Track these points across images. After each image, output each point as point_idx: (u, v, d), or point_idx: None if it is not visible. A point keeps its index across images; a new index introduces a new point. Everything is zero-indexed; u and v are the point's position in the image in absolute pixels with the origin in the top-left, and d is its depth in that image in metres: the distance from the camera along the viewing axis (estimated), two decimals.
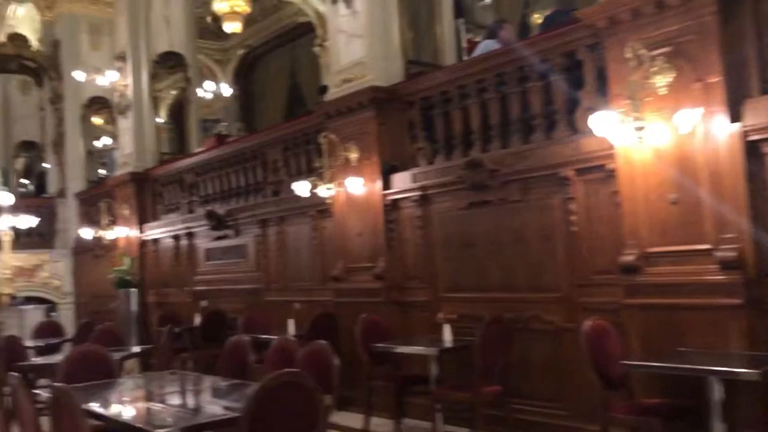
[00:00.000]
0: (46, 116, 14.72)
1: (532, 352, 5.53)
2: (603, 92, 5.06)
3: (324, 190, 6.88)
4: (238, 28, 13.06)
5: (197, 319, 8.73)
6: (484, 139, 6.00)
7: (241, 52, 17.74)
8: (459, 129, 6.22)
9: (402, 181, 6.53)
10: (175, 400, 4.10)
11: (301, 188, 6.94)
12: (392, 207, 6.62)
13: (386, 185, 6.61)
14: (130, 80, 10.94)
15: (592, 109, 4.96)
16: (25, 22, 14.61)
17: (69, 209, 13.06)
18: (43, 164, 16.00)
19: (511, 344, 5.42)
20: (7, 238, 10.57)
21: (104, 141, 14.17)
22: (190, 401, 4.04)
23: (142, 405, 3.95)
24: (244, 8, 10.90)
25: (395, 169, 6.63)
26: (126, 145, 11.12)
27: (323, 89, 8.92)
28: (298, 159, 8.10)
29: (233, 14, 10.87)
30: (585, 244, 5.19)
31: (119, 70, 10.97)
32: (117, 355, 5.59)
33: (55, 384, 3.55)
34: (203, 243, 9.62)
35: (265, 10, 15.72)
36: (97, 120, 13.85)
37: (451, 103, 6.29)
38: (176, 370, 5.45)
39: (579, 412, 5.16)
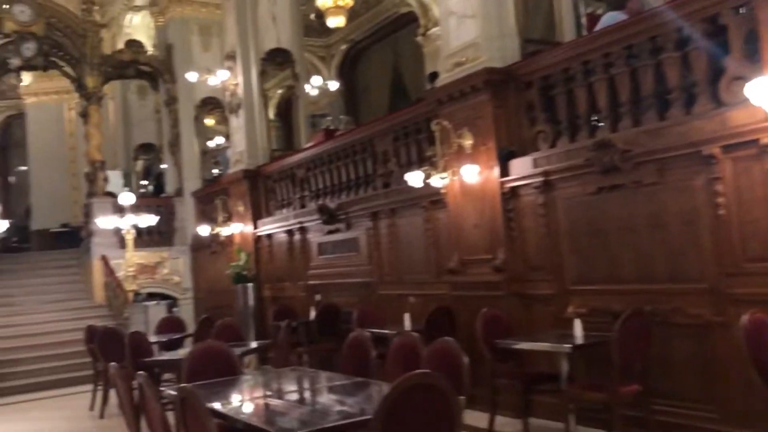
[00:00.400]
0: (162, 118, 15.34)
1: (674, 348, 5.04)
2: (753, 58, 4.52)
3: (437, 180, 6.62)
4: (341, 23, 13.04)
5: (312, 313, 8.71)
6: (613, 117, 5.53)
7: (343, 47, 17.81)
8: (584, 108, 5.78)
9: (521, 166, 6.16)
10: (299, 400, 3.96)
11: (414, 179, 6.70)
12: (511, 195, 6.27)
13: (504, 172, 6.25)
14: (240, 79, 11.10)
15: (741, 78, 4.43)
16: (140, 28, 15.24)
17: (186, 207, 13.49)
18: (161, 165, 16.70)
19: (651, 340, 4.96)
20: (130, 236, 10.99)
21: (217, 141, 14.58)
22: (315, 400, 3.89)
23: (266, 404, 3.84)
24: (347, 2, 10.84)
25: (513, 155, 6.26)
26: (238, 143, 11.30)
27: (433, 76, 8.66)
28: (408, 149, 7.88)
29: (336, 9, 10.85)
30: (735, 228, 4.66)
31: (229, 69, 11.15)
32: (237, 351, 5.57)
33: (182, 385, 3.48)
34: (315, 237, 9.60)
35: (367, 3, 15.67)
36: (209, 121, 14.25)
37: (574, 81, 5.85)
38: (297, 367, 5.35)
39: (732, 415, 4.66)
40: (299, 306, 9.46)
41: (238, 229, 11.09)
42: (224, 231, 11.23)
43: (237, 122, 11.32)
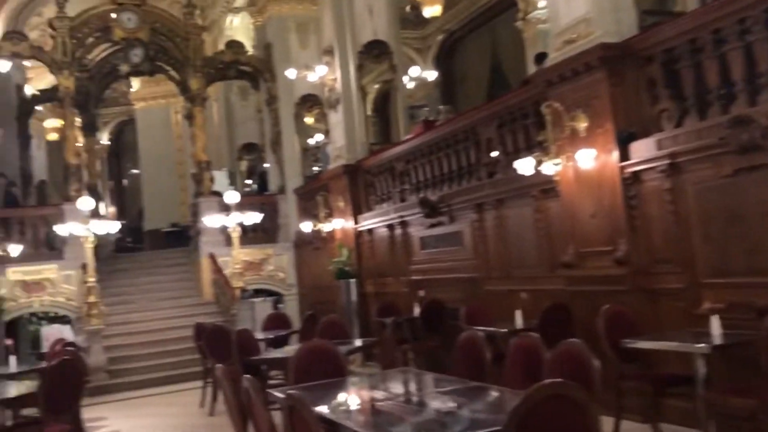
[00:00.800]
0: (263, 118, 15.60)
1: None
2: None
3: (549, 167, 6.19)
4: (437, 12, 12.74)
5: (416, 310, 8.47)
6: (751, 91, 4.94)
7: (440, 37, 17.45)
8: (715, 82, 5.20)
9: (643, 149, 5.64)
10: (414, 404, 3.70)
11: (525, 166, 6.29)
12: (632, 180, 5.76)
13: (624, 156, 5.75)
14: (338, 73, 10.99)
15: None
16: (240, 30, 15.49)
17: (289, 205, 13.57)
18: (264, 164, 16.99)
19: None
20: (236, 234, 11.12)
21: (316, 138, 14.61)
22: (430, 406, 3.61)
23: (378, 409, 3.60)
24: None
25: (633, 137, 5.74)
26: (337, 138, 11.21)
27: (541, 57, 8.19)
28: (515, 135, 7.47)
29: None
30: None
31: (327, 64, 11.08)
32: (343, 349, 5.39)
33: (290, 391, 3.29)
34: (417, 231, 9.35)
35: None
36: (308, 119, 14.26)
37: (704, 52, 5.28)
38: (405, 368, 5.10)
39: None
40: (402, 302, 9.24)
41: (339, 224, 11.01)
42: (326, 227, 11.18)
43: (336, 118, 11.23)
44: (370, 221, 10.46)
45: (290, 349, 6.29)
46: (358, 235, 10.76)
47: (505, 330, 6.26)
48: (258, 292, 12.79)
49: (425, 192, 9.09)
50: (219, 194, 13.49)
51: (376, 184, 10.50)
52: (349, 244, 10.71)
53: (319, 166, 14.27)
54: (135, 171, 23.62)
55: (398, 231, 9.73)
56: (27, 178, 14.64)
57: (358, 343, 7.45)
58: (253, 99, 18.19)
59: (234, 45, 13.70)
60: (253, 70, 14.47)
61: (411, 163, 9.58)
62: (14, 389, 5.74)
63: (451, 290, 8.52)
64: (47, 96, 14.66)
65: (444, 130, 8.92)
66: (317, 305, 11.18)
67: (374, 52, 10.95)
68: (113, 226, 9.96)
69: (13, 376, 6.83)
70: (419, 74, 13.05)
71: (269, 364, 6.75)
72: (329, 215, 11.25)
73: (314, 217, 11.73)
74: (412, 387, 4.13)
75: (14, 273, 11.31)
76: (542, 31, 11.10)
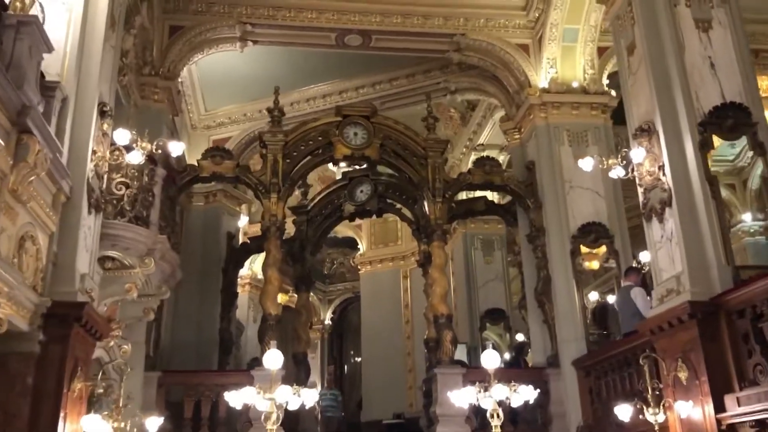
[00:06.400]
0: (507, 279, 11.81)
1: None
2: None
3: None
4: None
5: None
6: None
7: None
8: None
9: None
10: None
11: None
12: None
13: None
14: (664, 158, 6.84)
15: None
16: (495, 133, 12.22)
17: (567, 384, 8.99)
18: (517, 335, 12.87)
19: None
20: (496, 422, 6.73)
21: (594, 295, 10.24)
22: None
23: None
24: None
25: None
26: (667, 263, 6.77)
27: None
28: None
29: None
30: None
31: (646, 149, 7.00)
32: None
33: None
34: None
35: None
36: (591, 264, 9.99)
37: None
38: None
39: None
40: None
41: (683, 410, 6.16)
42: (657, 416, 6.36)
43: (662, 230, 6.88)
44: (754, 406, 5.53)
45: None
46: (729, 430, 5.80)
47: None
48: None
49: None
50: (464, 364, 9.44)
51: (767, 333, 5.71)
52: None
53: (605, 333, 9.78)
54: (357, 359, 20.50)
55: None
56: (226, 342, 11.67)
57: None
58: (498, 256, 14.65)
59: (486, 162, 10.25)
60: (506, 204, 10.91)
61: None
62: None
63: None
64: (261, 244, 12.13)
65: None
66: None
67: (727, 121, 6.72)
68: (310, 395, 6.17)
69: None
70: None
71: None
72: (659, 396, 6.47)
73: (628, 397, 6.99)
74: None
75: None
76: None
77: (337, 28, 10.53)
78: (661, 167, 6.85)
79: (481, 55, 11.01)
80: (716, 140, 6.77)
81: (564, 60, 10.56)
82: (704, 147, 6.67)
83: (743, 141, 6.94)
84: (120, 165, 6.65)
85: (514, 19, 10.90)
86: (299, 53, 11.35)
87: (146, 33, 9.42)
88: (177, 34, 10.10)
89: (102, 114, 6.31)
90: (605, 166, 7.32)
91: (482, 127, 13.51)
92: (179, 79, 11.21)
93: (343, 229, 17.31)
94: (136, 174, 6.92)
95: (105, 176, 6.47)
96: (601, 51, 10.77)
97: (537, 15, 10.68)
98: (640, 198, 7.26)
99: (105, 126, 6.37)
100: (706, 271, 6.32)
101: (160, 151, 6.61)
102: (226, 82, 12.15)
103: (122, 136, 6.23)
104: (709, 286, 6.23)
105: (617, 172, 7.27)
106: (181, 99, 10.57)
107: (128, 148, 6.54)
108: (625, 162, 7.15)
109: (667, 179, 6.77)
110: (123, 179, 6.78)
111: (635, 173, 7.21)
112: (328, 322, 22.72)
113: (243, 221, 14.23)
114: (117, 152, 6.42)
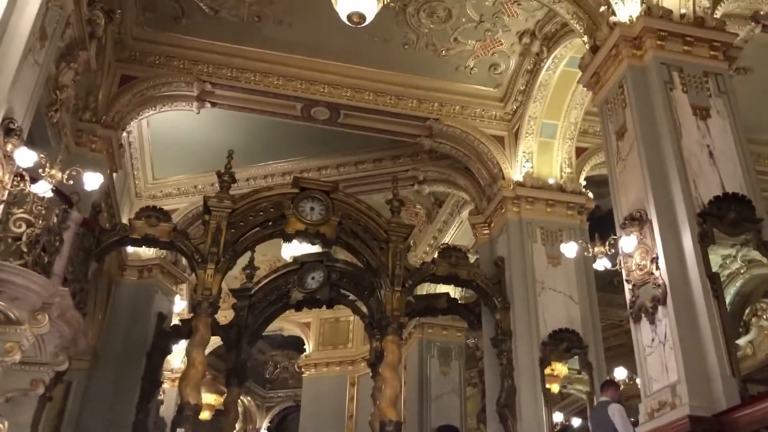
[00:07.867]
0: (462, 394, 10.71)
1: None
2: None
3: None
4: None
5: None
6: None
7: None
8: None
9: None
10: None
11: None
12: None
13: None
14: (658, 251, 5.99)
15: None
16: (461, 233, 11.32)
17: None
18: None
19: None
20: None
21: (559, 416, 9.12)
22: None
23: None
24: None
25: None
26: (658, 369, 5.78)
27: None
28: None
29: None
30: None
31: (637, 239, 6.16)
32: None
33: None
34: None
35: None
36: (551, 385, 8.86)
37: None
38: None
39: None
40: None
41: None
42: None
43: (654, 332, 5.93)
44: None
45: None
46: None
47: None
48: None
49: None
50: None
51: None
52: None
53: None
54: None
55: None
56: None
57: None
58: (455, 366, 13.49)
59: (452, 253, 9.32)
60: (471, 303, 9.92)
61: None
62: None
63: None
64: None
65: None
66: None
67: (729, 214, 5.96)
68: None
69: None
70: None
71: None
72: None
73: None
74: None
75: None
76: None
77: (304, 98, 9.84)
78: (654, 260, 6.00)
79: (454, 144, 10.38)
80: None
81: (541, 155, 9.96)
82: (704, 240, 5.86)
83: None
84: (24, 196, 5.54)
85: (490, 109, 10.40)
86: (261, 123, 10.56)
87: (93, 76, 8.55)
88: (128, 84, 9.26)
89: (7, 132, 5.27)
90: (590, 254, 6.44)
91: (448, 225, 12.72)
92: (128, 138, 10.28)
93: (289, 327, 16.00)
94: (43, 212, 5.80)
95: (1, 207, 5.34)
96: (579, 151, 10.26)
97: (515, 107, 10.19)
98: (628, 296, 6.36)
99: (9, 147, 5.30)
100: (707, 382, 5.45)
101: (72, 182, 5.52)
102: (179, 149, 11.25)
103: (26, 156, 5.15)
104: (711, 400, 5.36)
105: (603, 263, 6.40)
106: (123, 154, 9.56)
107: (34, 179, 5.47)
108: (613, 251, 6.28)
109: (662, 273, 5.91)
110: (25, 215, 5.65)
111: (622, 267, 6.35)
112: (263, 431, 20.78)
113: (180, 306, 12.91)
114: (18, 178, 5.32)
